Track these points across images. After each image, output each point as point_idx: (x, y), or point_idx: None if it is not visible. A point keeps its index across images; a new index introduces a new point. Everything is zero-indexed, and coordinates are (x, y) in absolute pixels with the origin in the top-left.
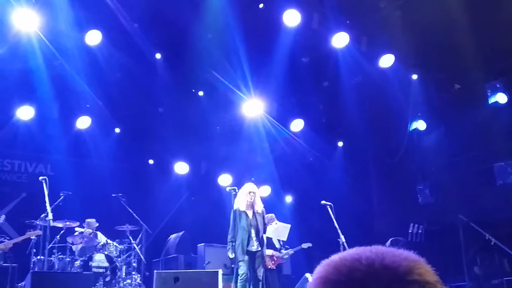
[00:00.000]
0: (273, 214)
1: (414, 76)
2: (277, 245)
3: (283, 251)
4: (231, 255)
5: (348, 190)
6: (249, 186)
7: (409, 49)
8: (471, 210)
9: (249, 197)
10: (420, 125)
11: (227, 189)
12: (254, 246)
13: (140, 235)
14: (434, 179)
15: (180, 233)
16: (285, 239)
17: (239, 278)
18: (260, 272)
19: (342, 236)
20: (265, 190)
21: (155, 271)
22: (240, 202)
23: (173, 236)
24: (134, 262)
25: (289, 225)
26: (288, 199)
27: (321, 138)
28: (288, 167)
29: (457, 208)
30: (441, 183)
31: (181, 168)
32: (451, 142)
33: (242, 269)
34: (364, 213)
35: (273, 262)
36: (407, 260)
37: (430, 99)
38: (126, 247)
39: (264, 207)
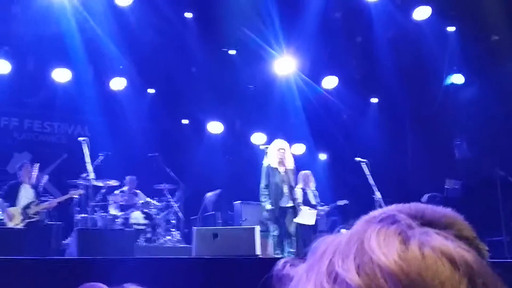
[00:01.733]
0: (309, 171)
1: (451, 29)
2: (313, 202)
3: (319, 208)
4: (269, 206)
5: (382, 147)
6: (278, 143)
7: (446, 0)
8: (509, 164)
9: (279, 153)
10: (456, 79)
11: (261, 147)
12: (286, 202)
13: (178, 193)
14: (471, 134)
15: (217, 191)
16: (312, 223)
17: (271, 233)
18: (292, 228)
19: (377, 193)
20: (299, 148)
21: (193, 227)
22: (271, 159)
23: (209, 194)
24: (173, 219)
25: (315, 211)
26: (322, 157)
27: (355, 94)
28: (321, 125)
29: (495, 163)
30: (478, 138)
31: (215, 127)
32: (488, 96)
33: (275, 225)
34: (400, 169)
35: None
36: (445, 216)
37: (467, 52)
38: (164, 205)
39: (297, 164)
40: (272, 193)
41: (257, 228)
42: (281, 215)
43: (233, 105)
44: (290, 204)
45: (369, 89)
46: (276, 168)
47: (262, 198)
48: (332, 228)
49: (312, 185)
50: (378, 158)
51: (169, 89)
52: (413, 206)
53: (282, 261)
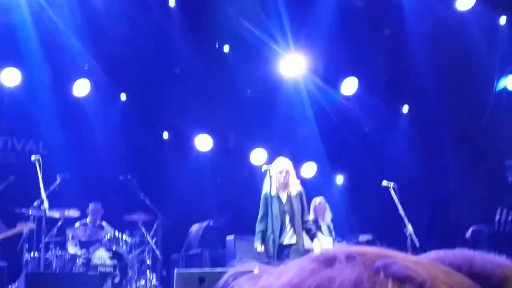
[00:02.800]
0: (322, 197)
1: (502, 19)
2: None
3: (336, 244)
4: (260, 248)
5: (416, 168)
6: (280, 163)
7: None
8: None
9: (281, 176)
10: (510, 82)
11: (263, 168)
12: (289, 238)
13: (155, 226)
14: None
15: (204, 223)
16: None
17: None
18: None
19: (409, 226)
20: (310, 169)
21: (175, 270)
22: (270, 184)
23: (195, 226)
24: (149, 259)
25: (330, 238)
26: (339, 179)
27: (381, 102)
28: (338, 139)
29: None
30: None
31: (204, 142)
32: None
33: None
34: (438, 196)
35: None
36: (501, 266)
37: None
38: (138, 241)
39: (306, 190)
40: (270, 227)
41: (256, 271)
42: (281, 255)
43: (227, 115)
44: (294, 240)
45: (399, 95)
46: (276, 195)
47: (256, 234)
48: None
49: (328, 216)
50: (410, 182)
51: (146, 94)
52: (458, 253)
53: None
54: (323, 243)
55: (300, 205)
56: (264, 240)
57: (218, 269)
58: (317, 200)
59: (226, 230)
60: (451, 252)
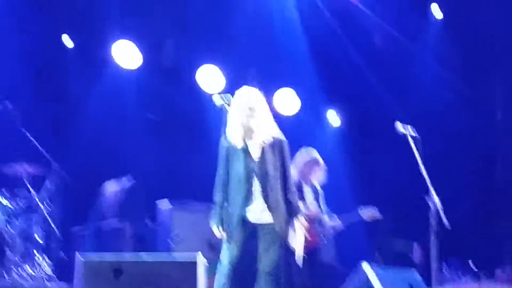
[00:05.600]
0: (311, 149)
1: None
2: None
3: (326, 222)
4: (218, 231)
5: (449, 105)
6: (244, 95)
7: None
8: None
9: (244, 116)
10: None
11: (217, 101)
12: (258, 214)
13: (48, 183)
14: None
15: (125, 181)
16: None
17: (220, 267)
18: (267, 261)
19: (434, 194)
20: (290, 102)
21: (77, 254)
22: (232, 129)
23: (111, 186)
24: (38, 235)
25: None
26: (334, 120)
27: (400, 3)
28: (335, 56)
29: None
30: None
31: (127, 54)
32: None
33: (230, 252)
34: (479, 149)
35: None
36: None
37: None
38: (22, 207)
39: (285, 135)
40: (229, 197)
41: (200, 259)
42: (246, 234)
43: (162, 11)
44: (266, 217)
45: None
46: (241, 147)
47: (214, 206)
48: (345, 260)
49: (317, 177)
50: (439, 127)
51: None
52: None
53: None
54: (303, 227)
55: (278, 163)
56: (221, 215)
57: (145, 256)
58: (304, 153)
59: (159, 192)
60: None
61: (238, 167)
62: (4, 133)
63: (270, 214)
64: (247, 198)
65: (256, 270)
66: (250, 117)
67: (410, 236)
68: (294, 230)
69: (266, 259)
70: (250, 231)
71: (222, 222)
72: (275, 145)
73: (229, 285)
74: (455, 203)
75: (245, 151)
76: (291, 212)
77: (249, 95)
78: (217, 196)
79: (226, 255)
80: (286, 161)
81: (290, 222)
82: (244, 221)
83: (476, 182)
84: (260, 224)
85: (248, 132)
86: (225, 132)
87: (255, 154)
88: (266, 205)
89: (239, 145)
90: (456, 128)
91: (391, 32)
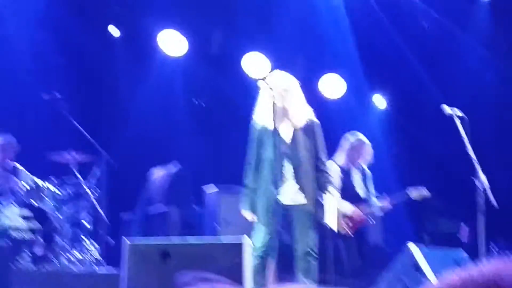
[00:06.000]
0: (358, 133)
1: None
2: (361, 192)
3: (374, 203)
4: (249, 215)
5: (498, 87)
6: (278, 78)
7: None
8: None
9: (279, 98)
10: None
11: (259, 82)
12: (291, 196)
13: (97, 171)
14: None
15: (172, 168)
16: (334, 227)
17: (252, 250)
18: (306, 241)
19: (482, 176)
20: (336, 86)
21: (123, 238)
22: (264, 111)
23: (158, 172)
24: (87, 221)
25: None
26: (380, 102)
27: None
28: (381, 41)
29: None
30: None
31: (173, 43)
32: None
33: (263, 235)
34: None
35: (350, 224)
36: None
37: None
38: (70, 193)
39: (328, 117)
40: (262, 180)
41: (246, 241)
42: (279, 217)
43: (209, 2)
44: (299, 199)
45: None
46: (274, 130)
47: (243, 193)
48: (393, 241)
49: (364, 159)
50: (487, 110)
51: None
52: None
53: None
54: (335, 201)
55: (311, 145)
56: (252, 199)
57: (192, 240)
58: (349, 137)
59: (205, 178)
60: None
61: (270, 150)
62: (52, 122)
63: (303, 195)
64: (279, 180)
65: (292, 252)
66: (284, 99)
67: (457, 217)
68: (327, 207)
69: (303, 240)
70: (283, 213)
71: (253, 206)
72: (308, 127)
73: (262, 268)
74: (503, 183)
75: (277, 133)
76: (321, 185)
77: (283, 78)
78: (248, 180)
79: (259, 238)
80: (319, 143)
81: (321, 200)
82: (276, 204)
83: None
84: (293, 206)
85: (280, 114)
86: (255, 115)
87: (287, 136)
88: (298, 187)
89: (271, 127)
90: (503, 112)
91: (436, 17)
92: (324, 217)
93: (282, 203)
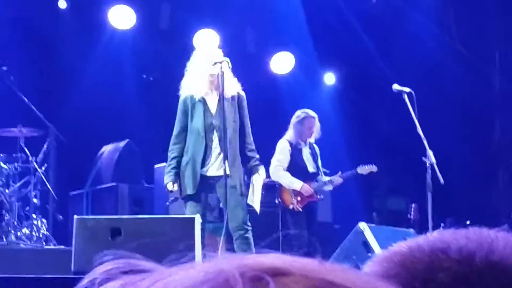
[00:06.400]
0: (308, 110)
1: None
2: (310, 168)
3: (322, 178)
4: (171, 186)
5: (445, 61)
6: (209, 48)
7: None
8: None
9: (213, 68)
10: None
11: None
12: (216, 167)
13: (45, 145)
14: None
15: (121, 143)
16: (257, 209)
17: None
18: (239, 218)
19: (430, 152)
20: (283, 60)
21: (75, 216)
22: (195, 80)
23: (108, 148)
24: (36, 197)
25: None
26: (329, 78)
27: None
28: (329, 16)
29: None
30: None
31: (122, 16)
32: None
33: (192, 209)
34: (475, 104)
35: (299, 199)
36: None
37: None
38: (18, 169)
39: (276, 90)
40: (187, 151)
41: (197, 218)
42: (207, 190)
43: None
44: (223, 171)
45: None
46: (201, 99)
47: (168, 164)
48: (341, 219)
49: (312, 134)
50: (435, 85)
51: None
52: (473, 235)
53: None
54: (260, 181)
55: (238, 117)
56: (177, 171)
57: (141, 217)
58: (298, 112)
59: (155, 154)
60: (463, 232)
61: (197, 121)
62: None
63: (227, 167)
64: (206, 152)
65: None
66: (218, 70)
67: (407, 195)
68: (253, 186)
69: (236, 218)
70: (210, 186)
71: (178, 178)
72: (234, 99)
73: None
74: (451, 162)
75: (204, 104)
76: (251, 167)
77: (217, 50)
78: (173, 151)
79: (192, 212)
80: (245, 116)
81: (249, 178)
82: (203, 176)
83: (472, 141)
84: (218, 177)
85: (210, 84)
86: (183, 85)
87: (214, 107)
88: (224, 159)
89: (199, 96)
90: (449, 87)
91: None
92: (248, 198)
93: (209, 175)
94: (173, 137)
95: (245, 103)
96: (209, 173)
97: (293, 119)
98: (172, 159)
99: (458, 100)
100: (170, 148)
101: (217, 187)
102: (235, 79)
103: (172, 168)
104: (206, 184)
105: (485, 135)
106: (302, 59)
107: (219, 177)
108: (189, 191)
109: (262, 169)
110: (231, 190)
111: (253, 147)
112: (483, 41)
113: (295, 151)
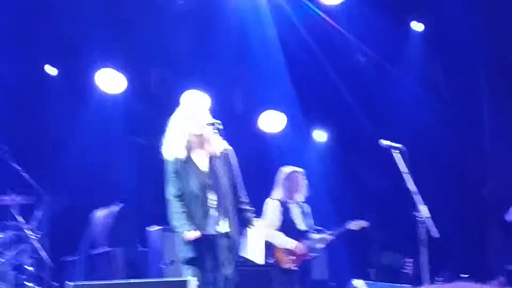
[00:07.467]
0: (295, 168)
1: None
2: (301, 226)
3: (314, 236)
4: (193, 233)
5: (434, 119)
6: (189, 100)
7: None
8: None
9: (198, 126)
10: None
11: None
12: (213, 225)
13: (38, 213)
14: None
15: (116, 207)
16: (260, 261)
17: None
18: (232, 270)
19: (423, 207)
20: (276, 120)
21: (66, 282)
22: (176, 140)
23: (100, 213)
24: (30, 264)
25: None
26: (319, 136)
27: (384, 16)
28: (318, 77)
29: None
30: None
31: (112, 81)
32: None
33: (191, 274)
34: (465, 163)
35: (292, 257)
36: None
37: None
38: (12, 237)
39: (268, 150)
40: (190, 214)
41: (193, 282)
42: (209, 249)
43: (146, 39)
44: (225, 229)
45: (409, 8)
46: (189, 160)
47: (174, 221)
48: (336, 275)
49: (300, 192)
50: (425, 142)
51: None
52: None
53: None
54: (261, 233)
55: (230, 174)
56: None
57: (134, 281)
58: (284, 169)
59: (148, 218)
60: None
61: (192, 182)
62: None
63: (227, 225)
64: (206, 212)
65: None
66: (203, 128)
67: (401, 250)
68: (247, 240)
69: (229, 268)
70: (210, 244)
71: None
72: (223, 155)
73: None
74: (442, 214)
75: (193, 163)
76: (245, 221)
77: (197, 100)
78: (176, 206)
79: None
80: (235, 170)
81: (243, 231)
82: (204, 235)
83: (462, 194)
84: (216, 235)
85: (196, 143)
86: (164, 149)
87: (204, 165)
88: (222, 216)
89: (182, 156)
90: (439, 144)
91: (371, 48)
92: (242, 249)
93: (209, 233)
94: (172, 198)
95: (233, 156)
96: (207, 232)
97: (280, 176)
98: (181, 213)
99: (447, 157)
100: (173, 206)
101: (215, 245)
102: (218, 135)
103: (183, 219)
104: (206, 244)
105: (476, 191)
106: (290, 117)
107: (219, 234)
108: (190, 253)
109: (257, 221)
110: (229, 247)
111: (247, 200)
112: (471, 100)
113: (285, 210)
